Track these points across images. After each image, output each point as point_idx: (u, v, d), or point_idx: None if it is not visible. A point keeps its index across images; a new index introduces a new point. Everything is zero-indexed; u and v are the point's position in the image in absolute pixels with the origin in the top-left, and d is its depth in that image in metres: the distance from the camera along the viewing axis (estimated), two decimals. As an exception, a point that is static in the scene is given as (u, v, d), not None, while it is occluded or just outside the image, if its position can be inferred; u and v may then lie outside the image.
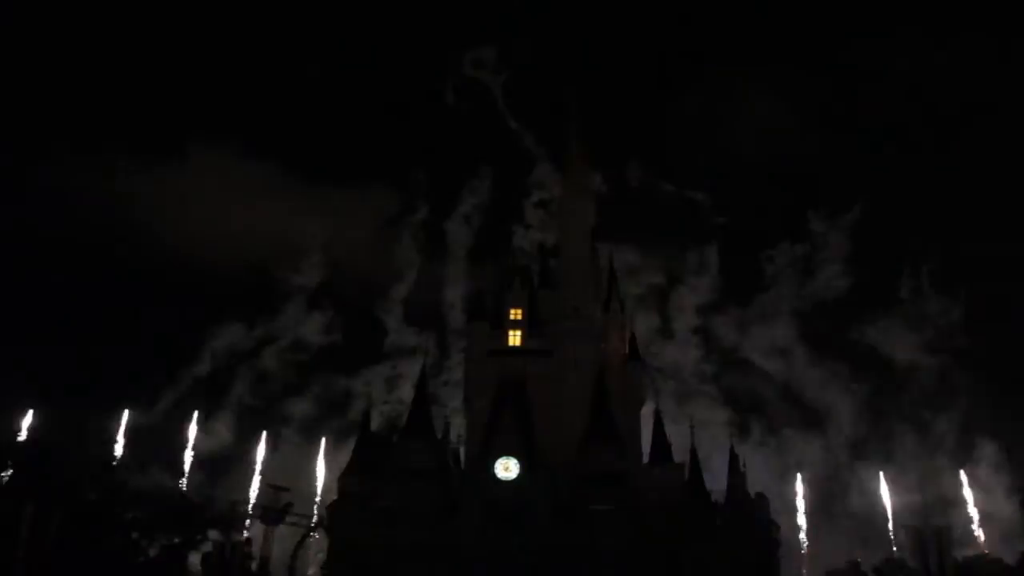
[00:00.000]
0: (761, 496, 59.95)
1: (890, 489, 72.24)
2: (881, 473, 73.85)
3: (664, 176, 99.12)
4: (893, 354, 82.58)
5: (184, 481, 60.95)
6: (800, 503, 74.45)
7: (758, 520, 58.13)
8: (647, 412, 71.31)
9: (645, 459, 65.13)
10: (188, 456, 68.53)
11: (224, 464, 79.97)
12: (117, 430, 64.20)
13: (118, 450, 56.81)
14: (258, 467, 71.33)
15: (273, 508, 54.03)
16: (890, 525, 70.31)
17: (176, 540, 48.50)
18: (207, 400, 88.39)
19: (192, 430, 72.67)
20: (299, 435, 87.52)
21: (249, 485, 69.05)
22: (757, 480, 60.85)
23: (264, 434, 75.11)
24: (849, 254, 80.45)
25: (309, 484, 71.73)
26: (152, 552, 47.62)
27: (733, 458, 62.93)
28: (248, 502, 57.03)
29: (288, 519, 56.80)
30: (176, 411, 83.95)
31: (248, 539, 55.37)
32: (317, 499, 70.66)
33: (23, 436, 49.78)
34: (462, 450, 68.33)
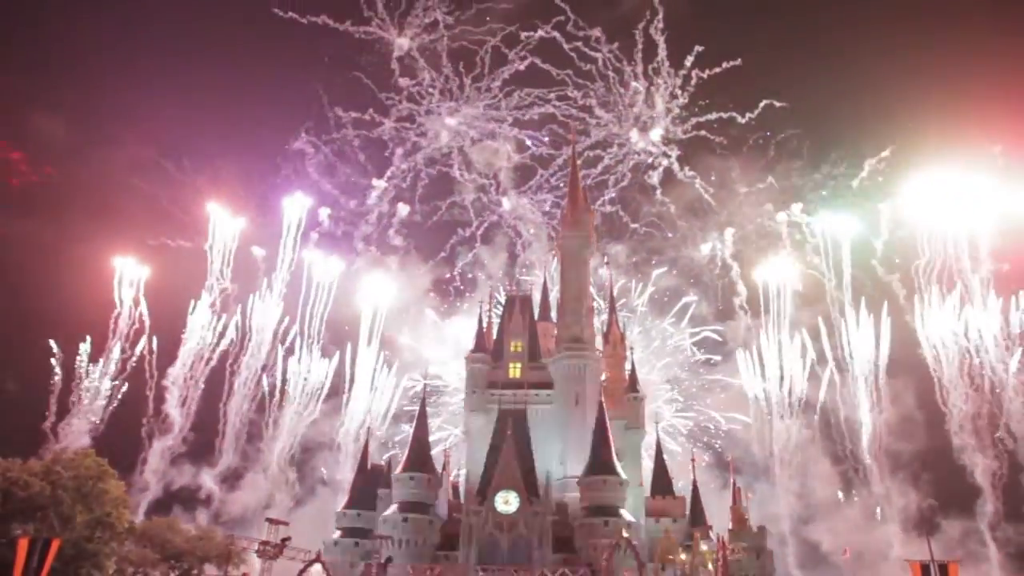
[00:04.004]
0: (763, 529, 59.24)
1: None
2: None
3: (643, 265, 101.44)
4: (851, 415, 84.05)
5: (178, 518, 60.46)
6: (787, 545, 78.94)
7: (762, 552, 57.45)
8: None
9: (646, 492, 64.80)
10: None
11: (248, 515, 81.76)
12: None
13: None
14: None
15: (271, 543, 53.52)
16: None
17: (171, 575, 48.15)
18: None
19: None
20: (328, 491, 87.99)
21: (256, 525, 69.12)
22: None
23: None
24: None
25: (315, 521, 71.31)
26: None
27: (736, 491, 62.38)
28: (247, 537, 56.41)
29: (287, 554, 56.26)
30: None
31: (245, 574, 54.84)
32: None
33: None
34: (462, 483, 67.91)
